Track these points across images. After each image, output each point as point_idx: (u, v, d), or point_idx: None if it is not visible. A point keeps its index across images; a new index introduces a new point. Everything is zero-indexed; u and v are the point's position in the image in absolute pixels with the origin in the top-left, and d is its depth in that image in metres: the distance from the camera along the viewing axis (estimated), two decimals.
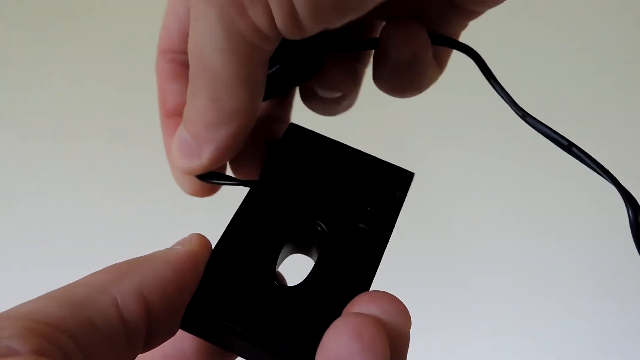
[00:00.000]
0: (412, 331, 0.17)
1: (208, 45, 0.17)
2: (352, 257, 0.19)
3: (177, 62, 0.22)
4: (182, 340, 0.19)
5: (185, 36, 0.19)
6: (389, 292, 0.18)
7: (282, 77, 0.21)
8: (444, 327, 0.63)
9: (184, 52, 0.19)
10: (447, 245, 0.67)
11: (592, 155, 0.19)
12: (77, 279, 0.15)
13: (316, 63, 0.22)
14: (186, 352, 0.19)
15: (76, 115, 0.74)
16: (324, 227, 0.20)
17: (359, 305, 0.17)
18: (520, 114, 0.20)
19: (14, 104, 0.75)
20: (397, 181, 0.22)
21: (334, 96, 0.23)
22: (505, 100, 0.21)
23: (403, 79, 0.21)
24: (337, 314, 0.17)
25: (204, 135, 0.19)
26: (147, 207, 0.69)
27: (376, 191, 0.21)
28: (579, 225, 0.68)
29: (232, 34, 0.16)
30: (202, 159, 0.19)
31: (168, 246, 0.18)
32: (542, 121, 0.20)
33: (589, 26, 0.78)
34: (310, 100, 0.24)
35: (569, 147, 0.19)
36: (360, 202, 0.20)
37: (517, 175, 0.70)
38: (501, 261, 0.66)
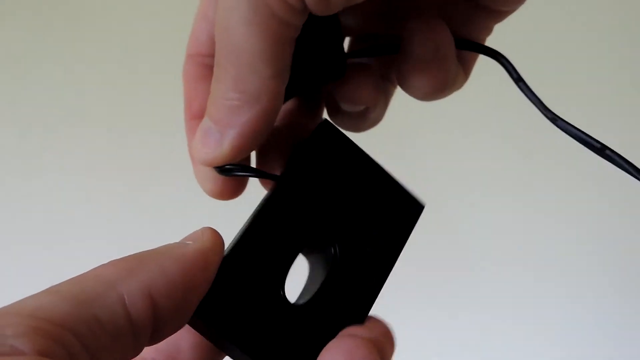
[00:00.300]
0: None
1: (233, 19, 0.17)
2: (356, 282, 0.19)
3: (205, 65, 0.22)
4: (178, 335, 0.19)
5: (213, 41, 0.19)
6: (378, 316, 0.19)
7: (305, 75, 0.21)
8: (448, 328, 0.63)
9: (212, 56, 0.19)
10: (452, 241, 0.67)
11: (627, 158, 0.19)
12: (83, 272, 0.15)
13: (339, 65, 0.22)
14: (181, 346, 0.19)
15: (76, 114, 0.74)
16: (336, 247, 0.20)
17: (352, 328, 0.18)
18: (550, 117, 0.20)
19: (17, 99, 0.75)
20: (408, 210, 0.21)
21: (358, 109, 0.23)
22: (535, 104, 0.20)
23: (427, 77, 0.21)
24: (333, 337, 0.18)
25: (227, 120, 0.18)
26: (153, 202, 0.69)
27: (386, 216, 0.21)
28: (588, 221, 0.67)
29: (258, 4, 0.17)
30: (224, 146, 0.19)
31: (179, 238, 0.17)
32: (573, 124, 0.19)
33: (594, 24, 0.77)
34: (336, 115, 0.24)
35: (602, 150, 0.19)
36: (369, 225, 0.20)
37: (522, 171, 0.70)
38: (508, 257, 0.66)
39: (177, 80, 0.23)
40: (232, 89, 0.18)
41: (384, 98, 0.23)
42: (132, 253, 0.16)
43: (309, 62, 0.21)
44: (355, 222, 0.20)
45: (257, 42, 0.17)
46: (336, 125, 0.22)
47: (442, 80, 0.21)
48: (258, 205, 0.19)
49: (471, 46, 0.22)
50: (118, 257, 0.16)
